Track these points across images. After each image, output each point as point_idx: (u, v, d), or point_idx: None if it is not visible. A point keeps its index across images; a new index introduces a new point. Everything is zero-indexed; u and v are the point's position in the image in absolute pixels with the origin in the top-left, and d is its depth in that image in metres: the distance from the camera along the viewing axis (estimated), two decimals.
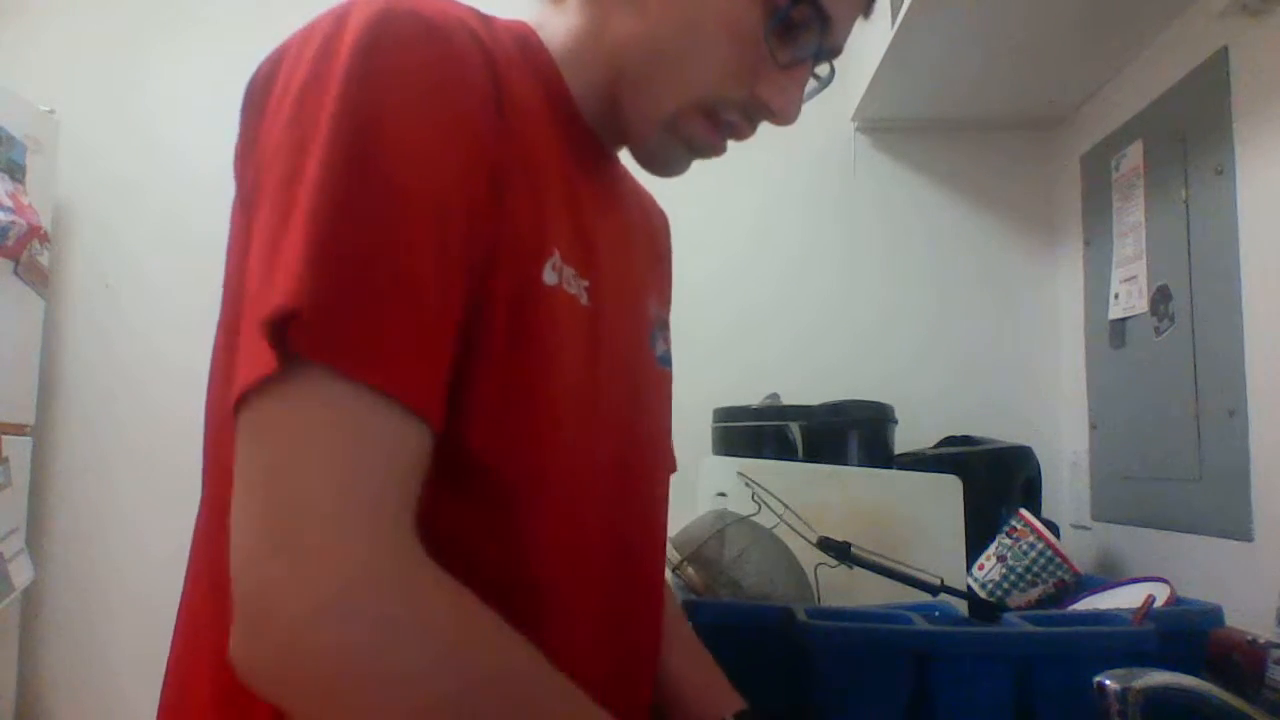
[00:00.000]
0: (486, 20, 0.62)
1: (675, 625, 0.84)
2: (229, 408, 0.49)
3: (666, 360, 0.80)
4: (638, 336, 0.73)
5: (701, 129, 0.66)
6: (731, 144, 0.70)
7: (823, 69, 0.69)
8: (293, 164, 0.50)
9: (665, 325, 0.82)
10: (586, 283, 0.63)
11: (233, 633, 0.46)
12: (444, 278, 0.51)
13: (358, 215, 0.48)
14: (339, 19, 0.53)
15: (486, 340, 0.54)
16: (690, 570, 1.08)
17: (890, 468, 1.54)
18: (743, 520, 1.13)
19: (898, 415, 1.62)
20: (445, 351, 0.51)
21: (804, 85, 0.67)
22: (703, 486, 1.35)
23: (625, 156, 0.74)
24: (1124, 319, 1.54)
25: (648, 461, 0.74)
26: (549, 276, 0.58)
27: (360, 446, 0.47)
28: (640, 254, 0.78)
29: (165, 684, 0.62)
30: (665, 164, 0.69)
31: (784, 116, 0.65)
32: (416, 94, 0.52)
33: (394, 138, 0.50)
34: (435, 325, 0.50)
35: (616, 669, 0.67)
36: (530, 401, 0.57)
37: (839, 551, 1.08)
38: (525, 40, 0.66)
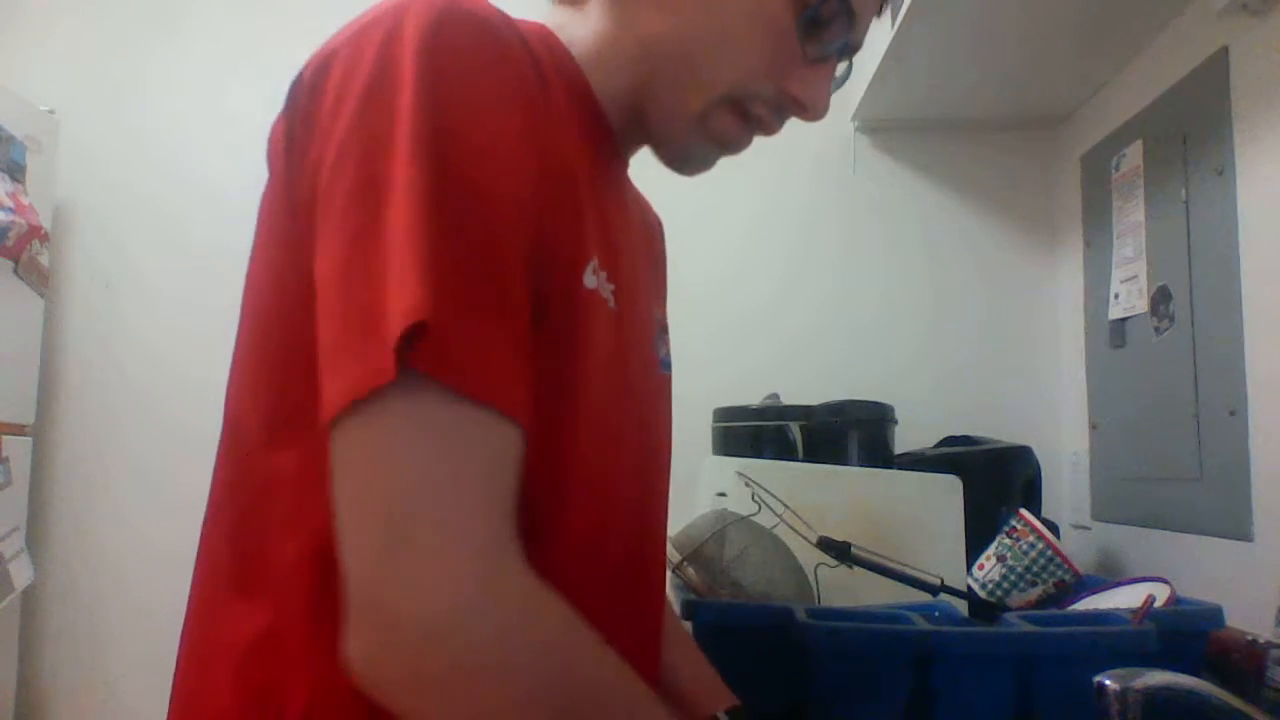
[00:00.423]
0: (512, 22, 0.62)
1: (670, 623, 0.85)
2: (316, 409, 0.49)
3: (668, 364, 0.81)
4: (647, 340, 0.74)
5: (731, 124, 0.66)
6: None
7: (841, 66, 0.70)
8: (370, 169, 0.50)
9: (665, 329, 0.83)
10: (613, 286, 0.63)
11: (353, 638, 0.47)
12: (526, 287, 0.52)
13: (462, 228, 0.49)
14: (396, 18, 0.53)
15: (533, 344, 0.55)
16: (690, 570, 1.08)
17: (890, 468, 1.54)
18: (743, 520, 1.13)
19: (898, 415, 1.62)
20: (529, 358, 0.52)
21: (830, 81, 0.67)
22: (703, 486, 1.35)
23: (640, 161, 0.75)
24: (1124, 319, 1.54)
25: (657, 464, 0.75)
26: (589, 280, 0.59)
27: (478, 460, 0.48)
28: (644, 257, 0.79)
29: (177, 681, 0.61)
30: (695, 162, 0.69)
31: (815, 111, 0.66)
32: (489, 98, 0.52)
33: (477, 144, 0.51)
34: (524, 335, 0.52)
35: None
36: (566, 406, 0.58)
37: (839, 551, 1.08)
38: (548, 42, 0.66)
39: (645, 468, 0.72)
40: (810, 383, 1.69)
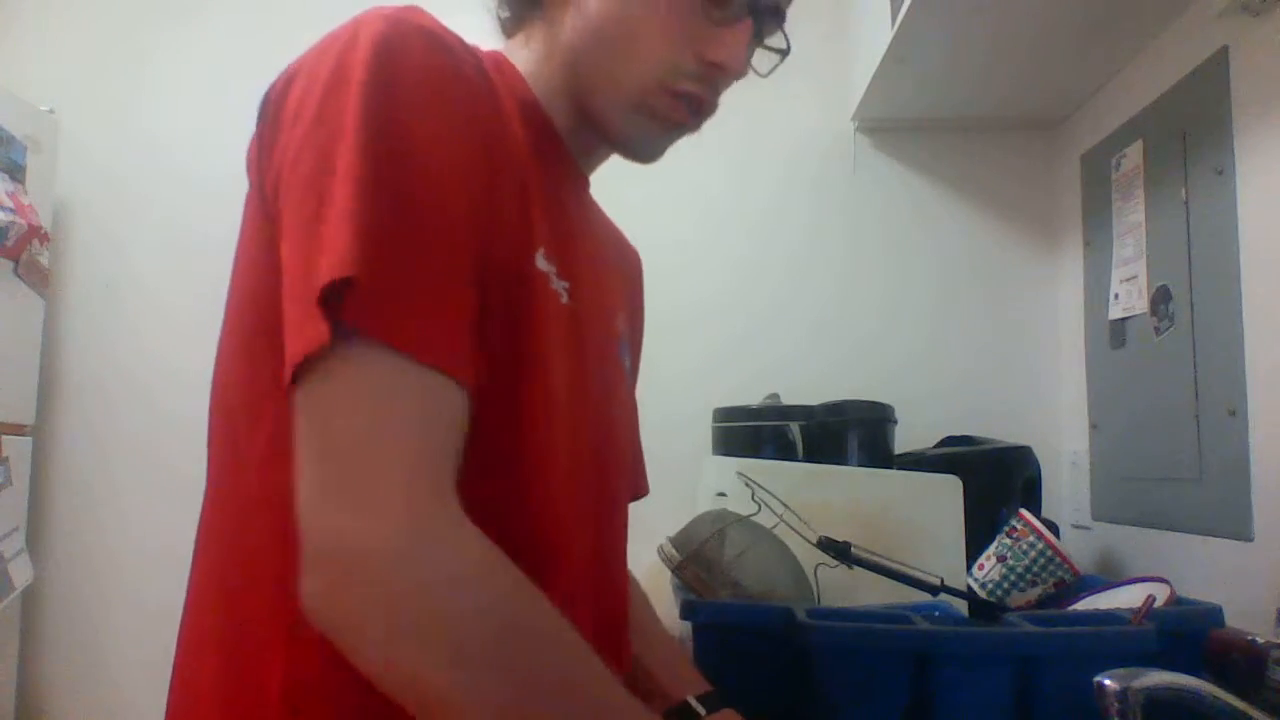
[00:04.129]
0: (464, 41, 0.66)
1: (640, 609, 0.87)
2: (282, 381, 0.52)
3: (633, 374, 0.84)
4: (609, 344, 0.77)
5: (666, 103, 0.69)
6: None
7: (777, 41, 0.73)
8: (322, 159, 0.54)
9: (631, 343, 0.86)
10: (566, 284, 0.67)
11: (311, 580, 0.50)
12: (468, 259, 0.56)
13: (398, 203, 0.53)
14: (353, 33, 0.58)
15: (485, 321, 0.58)
16: (690, 570, 1.08)
17: (890, 468, 1.54)
18: (743, 520, 1.12)
19: (898, 415, 1.62)
20: (474, 323, 0.56)
21: (746, 39, 0.70)
22: (703, 486, 1.35)
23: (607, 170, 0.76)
24: (1124, 319, 1.54)
25: (617, 461, 0.78)
26: (541, 264, 0.63)
27: (422, 415, 0.52)
28: (612, 271, 0.83)
29: (172, 688, 0.63)
30: (644, 146, 0.72)
31: (731, 69, 0.69)
32: (429, 94, 0.57)
33: (415, 132, 0.55)
34: (468, 301, 0.56)
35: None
36: (525, 384, 0.61)
37: (839, 551, 1.08)
38: (499, 64, 0.70)
39: (611, 462, 0.75)
40: (810, 383, 1.69)
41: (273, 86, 0.62)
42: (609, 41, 0.68)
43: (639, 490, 0.91)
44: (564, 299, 0.66)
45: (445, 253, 0.55)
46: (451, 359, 0.53)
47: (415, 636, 0.49)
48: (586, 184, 0.79)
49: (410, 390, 0.52)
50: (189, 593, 0.64)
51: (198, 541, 0.64)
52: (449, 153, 0.56)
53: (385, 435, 0.51)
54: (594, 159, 0.77)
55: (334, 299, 0.50)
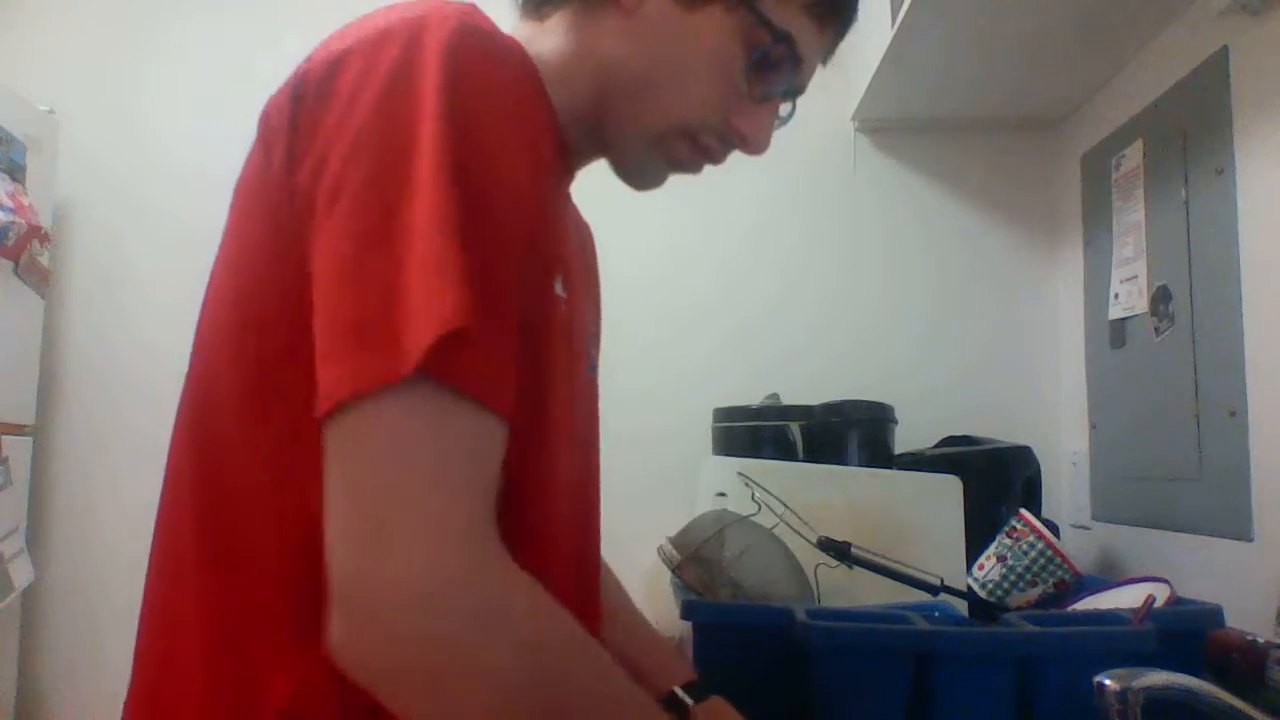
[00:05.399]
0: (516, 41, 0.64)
1: (619, 601, 0.88)
2: (324, 401, 0.49)
3: (594, 367, 0.84)
4: (583, 343, 0.77)
5: (684, 150, 0.71)
6: None
7: (785, 108, 0.75)
8: (388, 166, 0.51)
9: (595, 335, 0.86)
10: (565, 295, 0.66)
11: (335, 624, 0.48)
12: (519, 295, 0.54)
13: (482, 237, 0.51)
14: (415, 29, 0.54)
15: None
16: (690, 570, 1.08)
17: (890, 468, 1.54)
18: (743, 520, 1.13)
19: (898, 415, 1.62)
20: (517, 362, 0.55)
21: (773, 119, 0.72)
22: (703, 486, 1.35)
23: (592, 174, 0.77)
24: (1124, 319, 1.54)
25: (593, 461, 0.79)
26: (559, 289, 0.63)
27: (471, 457, 0.50)
28: (581, 264, 0.83)
29: (139, 657, 0.61)
30: (645, 177, 0.74)
31: (754, 146, 0.71)
32: (505, 115, 0.55)
33: (494, 158, 0.53)
34: (516, 341, 0.54)
35: None
36: (540, 409, 0.60)
37: (839, 551, 1.08)
38: None
39: (591, 460, 0.77)
40: (810, 383, 1.69)
41: (314, 62, 0.57)
42: (651, 81, 0.68)
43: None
44: (563, 308, 0.66)
45: (514, 294, 0.53)
46: (507, 401, 0.52)
47: (433, 689, 0.48)
48: (573, 179, 0.79)
49: (469, 437, 0.50)
50: (158, 589, 0.61)
51: (161, 539, 0.62)
52: (522, 189, 0.55)
53: (436, 482, 0.48)
54: (584, 160, 0.76)
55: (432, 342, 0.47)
